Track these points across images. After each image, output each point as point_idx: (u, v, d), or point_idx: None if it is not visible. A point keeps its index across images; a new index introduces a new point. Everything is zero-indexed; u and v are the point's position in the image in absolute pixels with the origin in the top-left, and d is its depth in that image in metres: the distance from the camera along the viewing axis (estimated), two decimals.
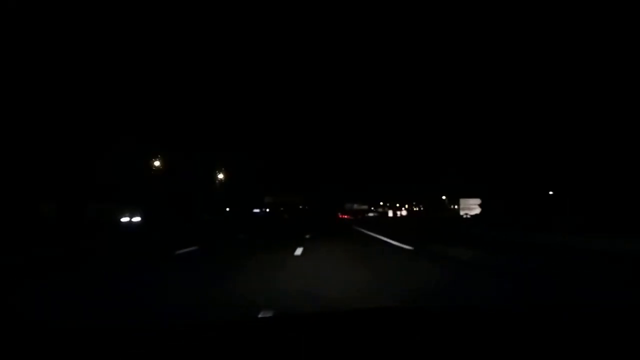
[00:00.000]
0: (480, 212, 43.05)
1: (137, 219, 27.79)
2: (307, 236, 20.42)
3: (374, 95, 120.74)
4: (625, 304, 3.53)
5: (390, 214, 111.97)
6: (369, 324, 2.04)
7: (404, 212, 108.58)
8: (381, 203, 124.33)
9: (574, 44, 32.05)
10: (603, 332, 1.74)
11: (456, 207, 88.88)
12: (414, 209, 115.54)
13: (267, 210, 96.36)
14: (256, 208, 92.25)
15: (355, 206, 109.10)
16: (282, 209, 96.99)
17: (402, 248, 13.63)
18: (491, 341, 1.69)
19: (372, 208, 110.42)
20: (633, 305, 2.35)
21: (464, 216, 44.16)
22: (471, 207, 45.24)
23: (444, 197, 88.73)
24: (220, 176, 72.32)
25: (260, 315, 4.49)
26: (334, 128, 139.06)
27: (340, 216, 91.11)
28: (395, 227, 31.36)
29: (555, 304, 3.84)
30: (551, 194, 32.87)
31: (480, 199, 43.70)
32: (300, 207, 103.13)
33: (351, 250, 13.58)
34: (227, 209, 77.81)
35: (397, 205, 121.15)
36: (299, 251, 12.45)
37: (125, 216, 26.96)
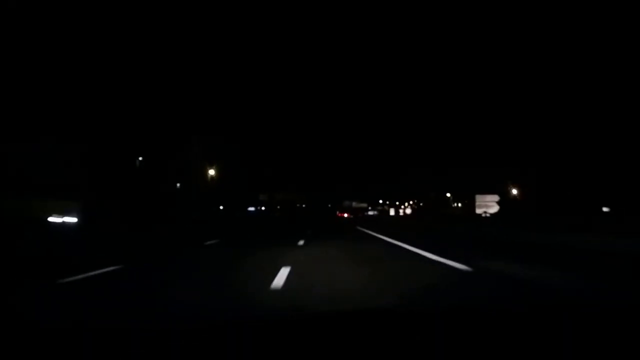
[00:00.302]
0: (499, 211, 37.53)
1: (71, 219, 21.96)
2: (301, 242, 14.78)
3: (372, 91, 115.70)
4: (625, 303, 3.19)
5: (392, 212, 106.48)
6: (369, 325, 1.96)
7: (408, 210, 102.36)
8: (380, 201, 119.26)
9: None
10: (603, 332, 1.68)
11: (459, 204, 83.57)
12: (414, 207, 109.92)
13: (263, 208, 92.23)
14: (251, 206, 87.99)
15: (354, 204, 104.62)
16: (278, 207, 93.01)
17: (454, 269, 7.98)
18: (491, 341, 1.63)
19: (370, 207, 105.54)
20: (633, 305, 2.48)
21: (483, 215, 38.45)
22: (488, 204, 39.59)
23: (448, 195, 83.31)
24: (212, 172, 67.75)
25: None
26: (332, 126, 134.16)
27: (339, 214, 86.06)
28: (410, 229, 25.64)
29: (555, 304, 3.56)
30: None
31: (499, 195, 38.27)
32: (298, 205, 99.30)
33: (366, 266, 7.97)
34: (221, 207, 73.70)
35: (397, 203, 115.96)
36: (282, 275, 6.88)
37: (55, 215, 21.14)
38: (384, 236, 18.02)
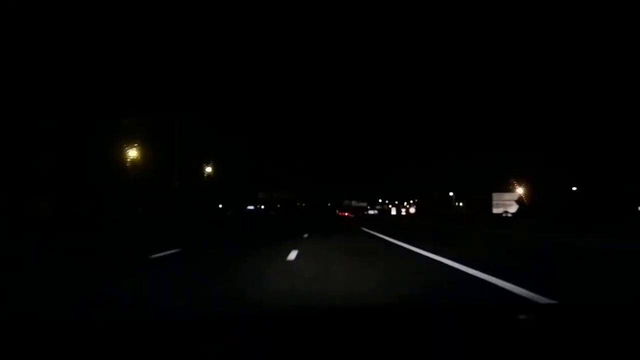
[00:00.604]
0: (518, 210, 32.56)
1: None
2: (292, 255, 9.83)
3: (371, 90, 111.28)
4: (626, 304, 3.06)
5: (394, 211, 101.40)
6: (366, 321, 1.81)
7: (412, 210, 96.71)
8: (380, 200, 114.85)
9: None
10: (603, 333, 1.58)
11: (460, 204, 78.67)
12: (410, 207, 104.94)
13: (262, 207, 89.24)
14: (250, 205, 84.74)
15: (354, 203, 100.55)
16: (278, 205, 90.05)
17: None
18: (492, 340, 1.51)
19: (369, 206, 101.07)
20: (633, 305, 2.41)
21: (503, 215, 33.46)
22: (506, 203, 34.61)
23: (451, 194, 78.53)
24: (209, 169, 63.96)
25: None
26: (332, 125, 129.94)
27: (340, 213, 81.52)
28: (439, 234, 20.69)
29: (555, 304, 3.39)
30: None
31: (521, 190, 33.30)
32: (298, 204, 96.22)
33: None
34: (220, 206, 70.44)
35: (396, 202, 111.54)
36: None
37: None
38: (411, 245, 12.99)
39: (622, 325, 1.69)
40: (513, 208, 33.61)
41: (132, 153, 42.98)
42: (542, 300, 4.70)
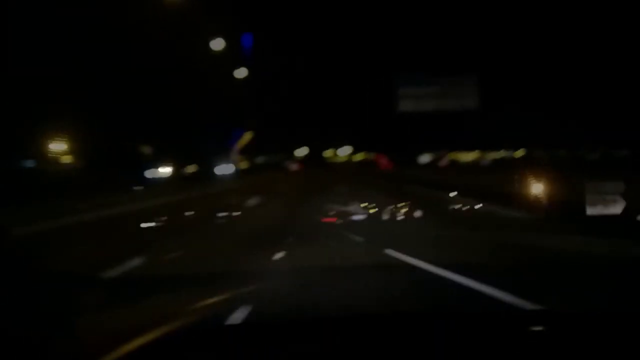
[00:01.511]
0: (629, 209, 19.59)
1: None
2: None
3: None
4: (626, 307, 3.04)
5: (386, 216, 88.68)
6: (354, 331, 1.74)
7: (418, 214, 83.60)
8: (366, 204, 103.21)
9: None
10: (604, 336, 1.55)
11: (460, 206, 66.22)
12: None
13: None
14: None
15: (337, 207, 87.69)
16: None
17: None
18: (491, 344, 1.51)
19: (353, 211, 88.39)
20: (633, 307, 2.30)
21: None
22: (608, 198, 21.81)
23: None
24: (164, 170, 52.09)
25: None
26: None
27: (323, 220, 68.38)
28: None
29: (554, 307, 3.35)
30: None
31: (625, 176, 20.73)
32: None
33: None
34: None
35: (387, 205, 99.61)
36: None
37: None
38: None
39: (623, 329, 1.62)
40: (619, 206, 20.67)
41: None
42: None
